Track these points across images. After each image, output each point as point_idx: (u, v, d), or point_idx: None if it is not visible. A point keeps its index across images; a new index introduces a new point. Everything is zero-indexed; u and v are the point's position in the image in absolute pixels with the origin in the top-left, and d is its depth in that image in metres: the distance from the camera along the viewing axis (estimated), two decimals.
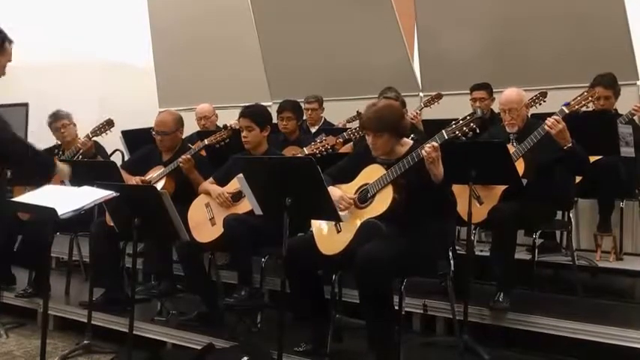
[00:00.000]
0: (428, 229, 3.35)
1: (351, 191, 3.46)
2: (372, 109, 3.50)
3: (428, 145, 3.25)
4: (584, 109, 4.00)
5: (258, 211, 3.72)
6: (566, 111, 3.87)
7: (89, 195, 3.20)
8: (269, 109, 4.87)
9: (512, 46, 6.01)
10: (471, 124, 3.29)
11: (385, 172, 3.36)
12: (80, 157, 5.01)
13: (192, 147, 4.62)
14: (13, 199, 3.69)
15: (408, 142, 3.55)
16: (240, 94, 7.03)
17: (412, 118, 5.36)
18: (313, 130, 5.97)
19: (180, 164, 4.43)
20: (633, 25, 5.42)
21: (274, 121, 4.96)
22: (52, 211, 2.99)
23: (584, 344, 3.58)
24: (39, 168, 3.69)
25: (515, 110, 4.09)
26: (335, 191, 3.38)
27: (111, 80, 8.50)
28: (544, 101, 5.20)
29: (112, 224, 4.12)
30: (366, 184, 3.42)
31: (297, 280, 3.48)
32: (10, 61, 3.49)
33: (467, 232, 3.88)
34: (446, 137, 3.30)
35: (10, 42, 3.50)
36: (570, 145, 3.77)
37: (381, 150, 3.46)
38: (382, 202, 3.31)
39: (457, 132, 3.30)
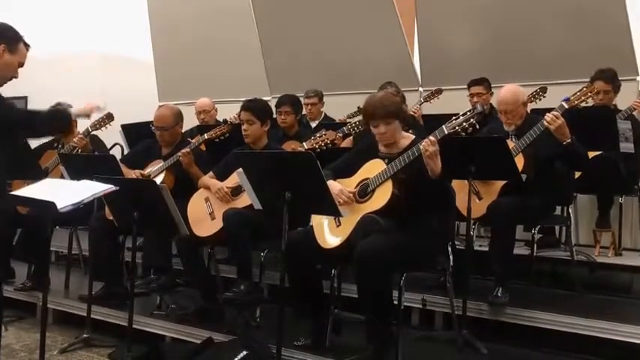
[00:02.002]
0: (427, 224, 3.36)
1: (352, 186, 3.46)
2: (374, 99, 3.50)
3: (426, 139, 3.25)
4: (583, 104, 4.00)
5: (258, 206, 3.72)
6: (566, 106, 3.87)
7: (88, 189, 3.19)
8: (268, 103, 4.87)
9: (512, 41, 6.00)
10: (472, 120, 3.29)
11: (386, 166, 3.36)
12: (79, 150, 5.00)
13: (192, 141, 4.62)
14: (12, 193, 3.68)
15: (410, 136, 3.55)
16: (240, 88, 7.02)
17: (413, 112, 5.39)
18: (313, 124, 5.96)
19: (180, 158, 4.43)
20: (633, 20, 5.41)
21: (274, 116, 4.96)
22: (52, 204, 2.99)
23: (582, 339, 3.59)
24: (53, 123, 3.60)
25: (512, 111, 4.08)
26: (334, 185, 3.39)
27: (110, 74, 8.48)
28: (544, 96, 5.20)
29: (111, 218, 4.13)
30: (366, 179, 3.42)
31: (297, 275, 3.48)
32: (22, 65, 3.40)
33: (466, 228, 3.88)
34: (446, 132, 3.30)
35: (27, 46, 3.41)
36: (569, 140, 3.77)
37: (393, 138, 3.46)
38: (382, 196, 3.31)
39: (457, 127, 3.29)
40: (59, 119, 3.60)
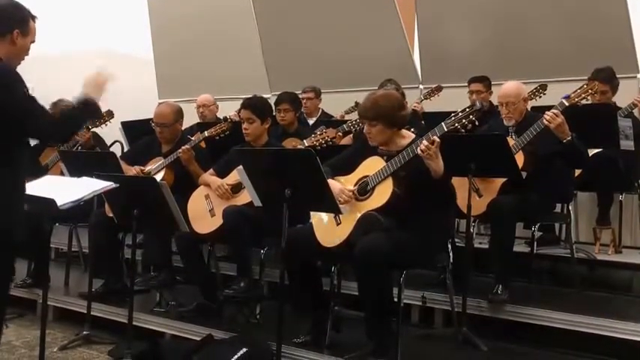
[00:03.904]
0: (427, 221, 3.34)
1: (351, 183, 3.45)
2: (369, 97, 3.49)
3: (425, 140, 3.20)
4: (584, 101, 4.00)
5: (258, 203, 3.72)
6: (566, 104, 3.87)
7: (88, 186, 3.19)
8: (268, 101, 4.86)
9: (512, 38, 6.00)
10: (471, 117, 3.27)
11: (385, 164, 3.35)
12: (79, 147, 5.00)
13: (192, 138, 4.62)
14: None
15: (411, 135, 3.52)
16: (240, 86, 7.01)
17: (415, 107, 5.43)
18: (311, 121, 5.95)
19: (180, 155, 4.43)
20: (634, 17, 5.40)
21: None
22: (52, 202, 2.98)
23: (582, 336, 3.59)
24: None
25: (512, 104, 4.07)
26: (334, 184, 3.37)
27: (111, 71, 8.46)
28: (544, 94, 5.19)
29: (111, 215, 4.13)
30: (366, 177, 3.41)
31: (296, 272, 3.48)
32: (34, 41, 3.32)
33: (466, 225, 3.88)
34: (445, 130, 3.28)
35: (34, 18, 3.30)
36: (569, 138, 3.76)
37: (376, 140, 3.44)
38: (382, 194, 3.30)
39: (457, 124, 3.28)
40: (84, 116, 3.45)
